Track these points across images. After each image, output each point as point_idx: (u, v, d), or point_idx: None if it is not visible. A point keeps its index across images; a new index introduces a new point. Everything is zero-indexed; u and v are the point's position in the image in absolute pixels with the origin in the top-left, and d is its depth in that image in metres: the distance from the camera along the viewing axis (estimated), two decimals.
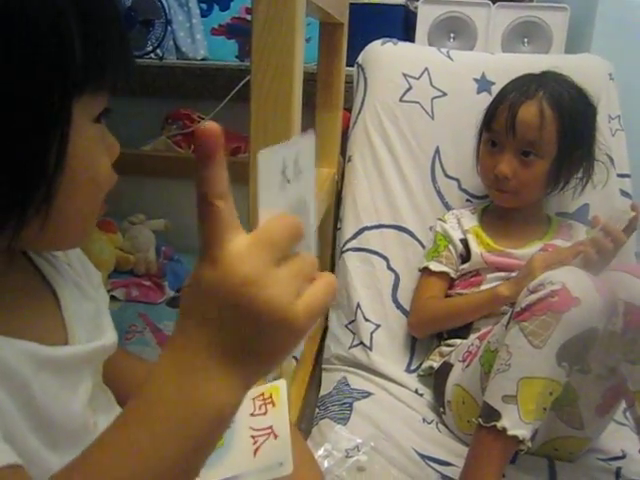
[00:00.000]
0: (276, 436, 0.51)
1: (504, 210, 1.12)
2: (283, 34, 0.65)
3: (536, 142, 1.02)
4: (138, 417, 0.33)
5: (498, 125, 1.06)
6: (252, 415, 0.52)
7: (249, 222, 0.69)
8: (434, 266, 1.11)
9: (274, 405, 0.53)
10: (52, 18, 0.35)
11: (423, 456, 0.90)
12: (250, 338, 0.33)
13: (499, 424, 0.75)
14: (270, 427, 0.52)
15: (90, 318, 0.49)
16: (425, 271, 1.12)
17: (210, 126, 0.31)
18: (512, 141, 1.04)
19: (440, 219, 1.16)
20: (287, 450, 0.49)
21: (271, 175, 0.33)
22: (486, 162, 1.10)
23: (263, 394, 0.53)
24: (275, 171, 0.34)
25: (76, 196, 0.40)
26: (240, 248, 0.32)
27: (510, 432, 0.75)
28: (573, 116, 1.04)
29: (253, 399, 0.53)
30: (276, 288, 0.32)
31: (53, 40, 0.35)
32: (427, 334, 1.12)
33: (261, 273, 0.32)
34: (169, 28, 1.58)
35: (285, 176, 0.35)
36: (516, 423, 0.75)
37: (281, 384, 0.54)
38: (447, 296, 1.11)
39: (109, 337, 0.50)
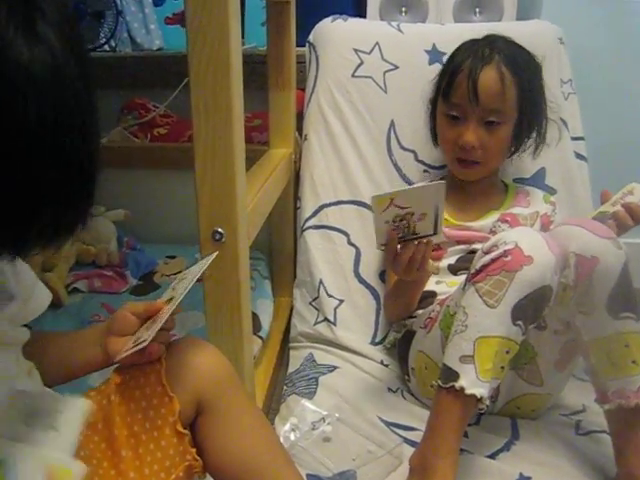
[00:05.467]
0: None
1: (461, 182, 1.10)
2: (216, 12, 0.64)
3: (500, 110, 1.00)
4: None
5: (458, 96, 1.01)
6: None
7: (196, 203, 0.69)
8: None
9: None
10: None
11: (388, 423, 0.91)
12: None
13: (457, 384, 0.75)
14: None
15: None
16: None
17: None
18: (475, 110, 1.00)
19: None
20: None
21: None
22: (447, 134, 1.05)
23: None
24: None
25: None
26: None
27: (468, 391, 0.75)
28: (529, 76, 1.03)
29: None
30: None
31: None
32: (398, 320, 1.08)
33: None
34: (122, 19, 1.57)
35: None
36: (474, 382, 0.75)
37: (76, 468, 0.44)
38: None
39: None
